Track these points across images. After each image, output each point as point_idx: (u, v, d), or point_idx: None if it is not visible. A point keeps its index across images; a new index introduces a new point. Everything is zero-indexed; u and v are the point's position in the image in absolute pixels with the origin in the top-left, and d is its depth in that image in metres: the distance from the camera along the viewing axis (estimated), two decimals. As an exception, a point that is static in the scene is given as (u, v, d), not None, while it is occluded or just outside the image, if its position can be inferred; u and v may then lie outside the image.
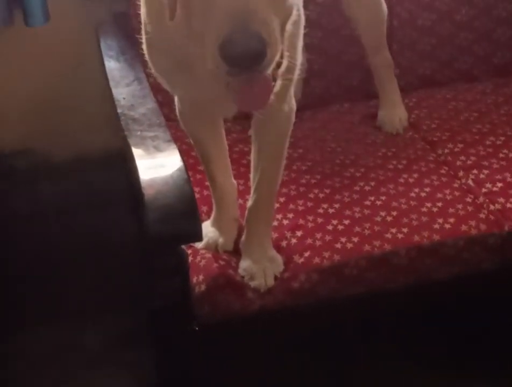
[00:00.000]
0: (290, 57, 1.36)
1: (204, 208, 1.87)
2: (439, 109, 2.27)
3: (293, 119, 1.67)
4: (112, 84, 1.93)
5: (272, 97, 1.32)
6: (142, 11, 1.47)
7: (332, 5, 2.20)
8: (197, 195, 1.90)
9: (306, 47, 2.26)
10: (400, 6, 2.32)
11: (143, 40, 1.52)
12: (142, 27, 1.50)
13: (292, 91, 1.62)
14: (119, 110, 1.80)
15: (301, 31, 1.55)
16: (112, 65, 2.02)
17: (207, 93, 1.50)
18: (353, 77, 2.34)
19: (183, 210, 1.48)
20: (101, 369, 2.06)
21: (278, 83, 1.35)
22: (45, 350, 2.12)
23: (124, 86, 1.91)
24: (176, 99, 1.70)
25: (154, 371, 1.79)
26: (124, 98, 1.85)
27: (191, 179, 1.91)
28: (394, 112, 2.21)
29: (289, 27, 1.34)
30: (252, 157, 1.72)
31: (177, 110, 1.72)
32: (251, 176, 1.73)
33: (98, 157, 2.50)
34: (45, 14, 2.12)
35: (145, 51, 1.54)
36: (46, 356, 2.11)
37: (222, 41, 1.19)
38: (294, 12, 1.35)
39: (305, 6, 1.58)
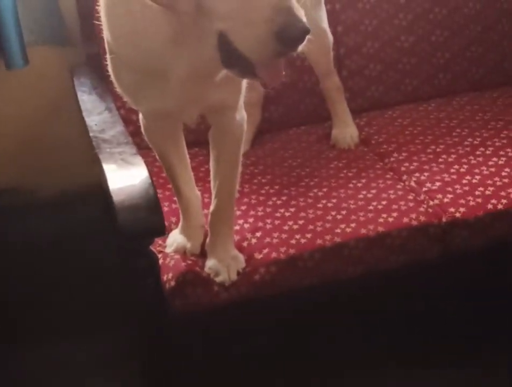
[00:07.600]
0: None
1: (173, 219, 2.07)
2: (386, 126, 2.50)
3: (245, 127, 1.86)
4: (85, 113, 2.16)
5: None
6: (105, 33, 1.64)
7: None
8: (166, 209, 2.11)
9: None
10: (346, 36, 2.56)
11: (108, 61, 1.70)
12: (106, 48, 1.67)
13: (242, 102, 1.82)
14: (91, 134, 2.02)
15: None
16: (85, 98, 2.25)
17: (176, 99, 1.67)
18: (308, 102, 2.57)
19: (148, 208, 1.68)
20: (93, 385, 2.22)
21: None
22: (42, 368, 2.27)
23: (96, 115, 2.14)
24: (140, 116, 1.88)
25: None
26: (96, 124, 2.07)
27: (161, 195, 2.14)
28: (346, 130, 2.44)
29: None
30: (211, 165, 1.91)
31: (141, 127, 1.90)
32: (211, 183, 1.92)
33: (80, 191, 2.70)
34: (24, 58, 2.35)
35: (110, 71, 1.71)
36: (42, 373, 2.26)
37: (280, 27, 1.40)
38: None
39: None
